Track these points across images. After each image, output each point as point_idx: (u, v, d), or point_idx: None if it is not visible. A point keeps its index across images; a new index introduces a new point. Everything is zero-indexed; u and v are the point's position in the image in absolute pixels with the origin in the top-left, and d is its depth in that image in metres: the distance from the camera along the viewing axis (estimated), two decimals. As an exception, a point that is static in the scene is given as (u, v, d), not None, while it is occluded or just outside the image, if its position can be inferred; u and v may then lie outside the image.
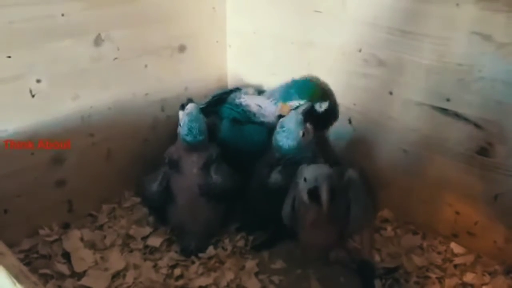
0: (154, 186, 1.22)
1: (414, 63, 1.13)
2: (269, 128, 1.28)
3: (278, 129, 1.19)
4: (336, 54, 1.26)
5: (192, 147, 1.19)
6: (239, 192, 1.24)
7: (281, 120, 1.20)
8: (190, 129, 1.17)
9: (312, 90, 1.29)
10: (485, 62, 1.02)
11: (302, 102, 1.23)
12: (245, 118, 1.34)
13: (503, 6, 0.96)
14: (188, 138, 1.18)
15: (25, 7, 1.05)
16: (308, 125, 1.18)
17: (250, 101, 1.36)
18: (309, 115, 1.21)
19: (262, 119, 1.33)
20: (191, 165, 1.19)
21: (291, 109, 1.22)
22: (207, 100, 1.37)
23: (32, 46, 1.08)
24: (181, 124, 1.19)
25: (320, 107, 1.26)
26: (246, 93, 1.39)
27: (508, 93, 1.01)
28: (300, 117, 1.17)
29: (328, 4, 1.24)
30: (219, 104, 1.37)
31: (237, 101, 1.37)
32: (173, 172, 1.20)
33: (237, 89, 1.43)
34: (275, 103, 1.31)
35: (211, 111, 1.34)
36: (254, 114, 1.34)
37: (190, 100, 1.26)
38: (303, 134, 1.16)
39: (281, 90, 1.32)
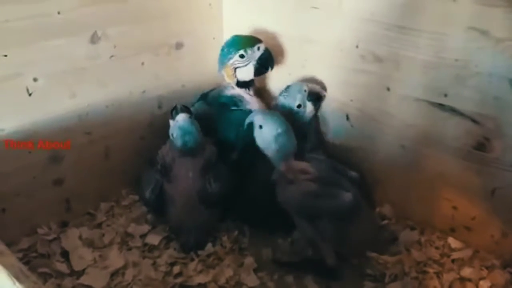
0: (147, 193, 1.22)
1: (411, 58, 1.13)
2: None
3: (283, 93, 1.32)
4: (333, 50, 1.26)
5: (187, 152, 1.19)
6: (237, 189, 1.24)
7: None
8: (184, 142, 1.17)
9: (243, 38, 1.32)
10: (482, 58, 1.02)
11: (236, 53, 1.28)
12: (232, 103, 1.34)
13: (500, 1, 0.96)
14: (184, 149, 1.18)
15: (21, 5, 1.04)
16: (308, 103, 1.30)
17: (234, 91, 1.36)
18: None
19: (248, 106, 1.34)
20: (187, 168, 1.19)
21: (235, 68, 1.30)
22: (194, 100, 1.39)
23: (29, 45, 1.08)
24: (174, 135, 1.19)
25: (259, 48, 1.29)
26: (226, 87, 1.38)
27: (504, 89, 1.01)
28: (305, 88, 1.28)
29: (325, 0, 1.24)
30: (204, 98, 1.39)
31: (221, 90, 1.37)
32: (165, 180, 1.20)
33: (211, 90, 1.42)
34: (219, 71, 1.34)
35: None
36: (241, 100, 1.34)
37: (179, 108, 1.21)
38: (299, 105, 1.29)
39: (218, 58, 1.33)
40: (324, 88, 1.33)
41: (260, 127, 1.11)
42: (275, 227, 1.24)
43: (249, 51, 1.28)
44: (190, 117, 1.18)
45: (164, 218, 1.25)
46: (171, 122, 1.21)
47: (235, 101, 1.34)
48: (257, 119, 1.12)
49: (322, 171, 1.13)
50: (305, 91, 1.29)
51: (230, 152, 1.27)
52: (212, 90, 1.41)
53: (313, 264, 1.13)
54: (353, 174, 1.18)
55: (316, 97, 1.31)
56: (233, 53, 1.29)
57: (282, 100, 1.31)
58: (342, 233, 1.09)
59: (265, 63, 1.31)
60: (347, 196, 1.06)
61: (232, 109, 1.33)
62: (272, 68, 1.34)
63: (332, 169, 1.16)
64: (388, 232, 1.23)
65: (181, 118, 1.17)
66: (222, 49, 1.32)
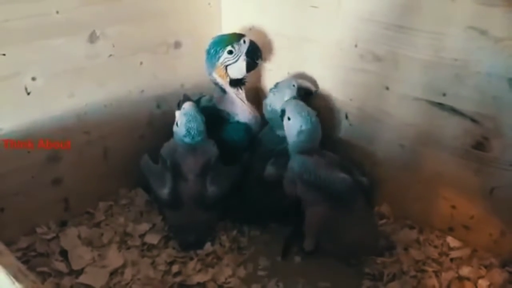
0: (165, 193, 1.18)
1: (410, 58, 1.13)
2: (246, 126, 1.33)
3: (272, 89, 1.33)
4: (332, 49, 1.26)
5: (190, 147, 1.18)
6: (235, 189, 1.24)
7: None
8: (188, 130, 1.16)
9: (227, 35, 1.32)
10: (481, 57, 1.02)
11: (224, 50, 1.27)
12: (220, 118, 1.33)
13: (499, 0, 0.96)
14: (187, 140, 1.17)
15: (19, 5, 1.04)
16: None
17: (221, 102, 1.34)
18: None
19: (236, 118, 1.33)
20: (189, 170, 1.19)
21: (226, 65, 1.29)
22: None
23: (27, 44, 1.08)
24: (178, 124, 1.18)
25: (244, 41, 1.28)
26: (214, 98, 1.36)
27: (503, 88, 1.01)
28: (294, 83, 1.29)
29: (324, 0, 1.24)
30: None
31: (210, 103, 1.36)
32: (177, 179, 1.19)
33: (202, 96, 1.41)
34: (209, 74, 1.31)
35: None
36: (228, 114, 1.33)
37: (186, 97, 1.24)
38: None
39: (206, 61, 1.31)
40: (315, 83, 1.32)
41: (289, 118, 1.18)
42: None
43: (236, 46, 1.28)
44: (196, 107, 1.19)
45: (163, 217, 1.26)
46: (176, 113, 1.20)
47: (222, 115, 1.33)
48: (288, 110, 1.19)
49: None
50: (293, 86, 1.28)
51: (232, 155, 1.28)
52: (199, 101, 1.38)
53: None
54: (364, 179, 1.19)
55: (305, 93, 1.31)
56: (221, 51, 1.28)
57: (272, 96, 1.31)
58: (336, 225, 1.10)
59: (254, 54, 1.30)
60: (345, 177, 1.12)
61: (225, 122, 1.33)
62: (261, 59, 1.33)
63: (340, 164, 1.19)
64: (385, 239, 1.21)
65: (187, 105, 1.18)
66: (208, 51, 1.30)
